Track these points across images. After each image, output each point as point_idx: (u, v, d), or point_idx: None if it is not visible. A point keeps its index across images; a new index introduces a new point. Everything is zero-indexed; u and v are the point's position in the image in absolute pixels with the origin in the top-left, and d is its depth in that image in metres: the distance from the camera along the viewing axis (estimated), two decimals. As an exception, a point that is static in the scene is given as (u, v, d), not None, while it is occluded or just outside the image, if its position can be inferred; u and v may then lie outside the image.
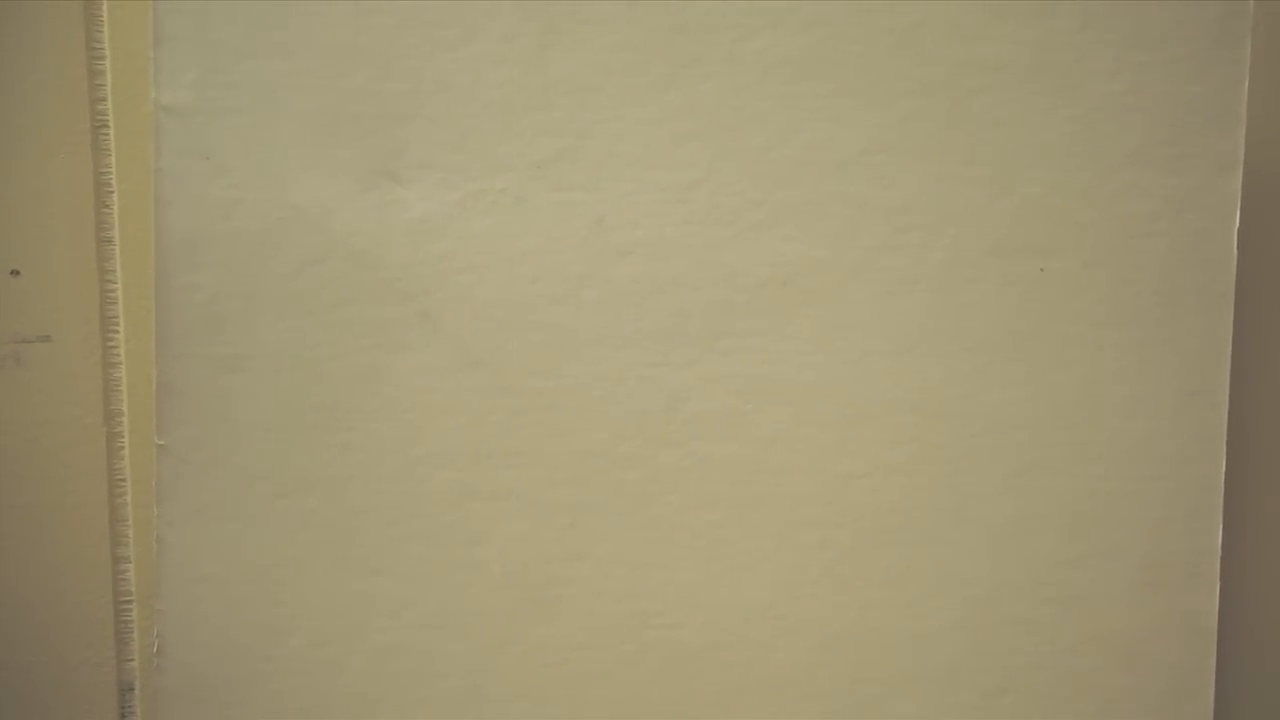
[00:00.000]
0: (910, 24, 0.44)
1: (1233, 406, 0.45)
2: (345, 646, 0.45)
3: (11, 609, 0.49)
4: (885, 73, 0.44)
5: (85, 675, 0.49)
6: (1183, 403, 0.45)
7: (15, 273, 0.48)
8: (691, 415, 0.45)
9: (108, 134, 0.48)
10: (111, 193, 0.48)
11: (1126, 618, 0.45)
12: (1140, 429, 0.45)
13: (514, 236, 0.44)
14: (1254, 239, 0.47)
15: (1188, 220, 0.44)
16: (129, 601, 0.50)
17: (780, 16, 0.44)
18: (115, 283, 0.49)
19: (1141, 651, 0.45)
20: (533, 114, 0.44)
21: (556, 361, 0.44)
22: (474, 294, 0.44)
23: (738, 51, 0.44)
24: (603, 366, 0.44)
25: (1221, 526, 0.45)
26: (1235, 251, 0.44)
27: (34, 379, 0.48)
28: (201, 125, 0.43)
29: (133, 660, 0.50)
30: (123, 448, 0.49)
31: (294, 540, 0.44)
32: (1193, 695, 0.45)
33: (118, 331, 0.49)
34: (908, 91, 0.44)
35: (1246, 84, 0.44)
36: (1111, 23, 0.44)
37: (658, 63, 0.44)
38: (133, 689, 0.50)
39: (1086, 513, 0.45)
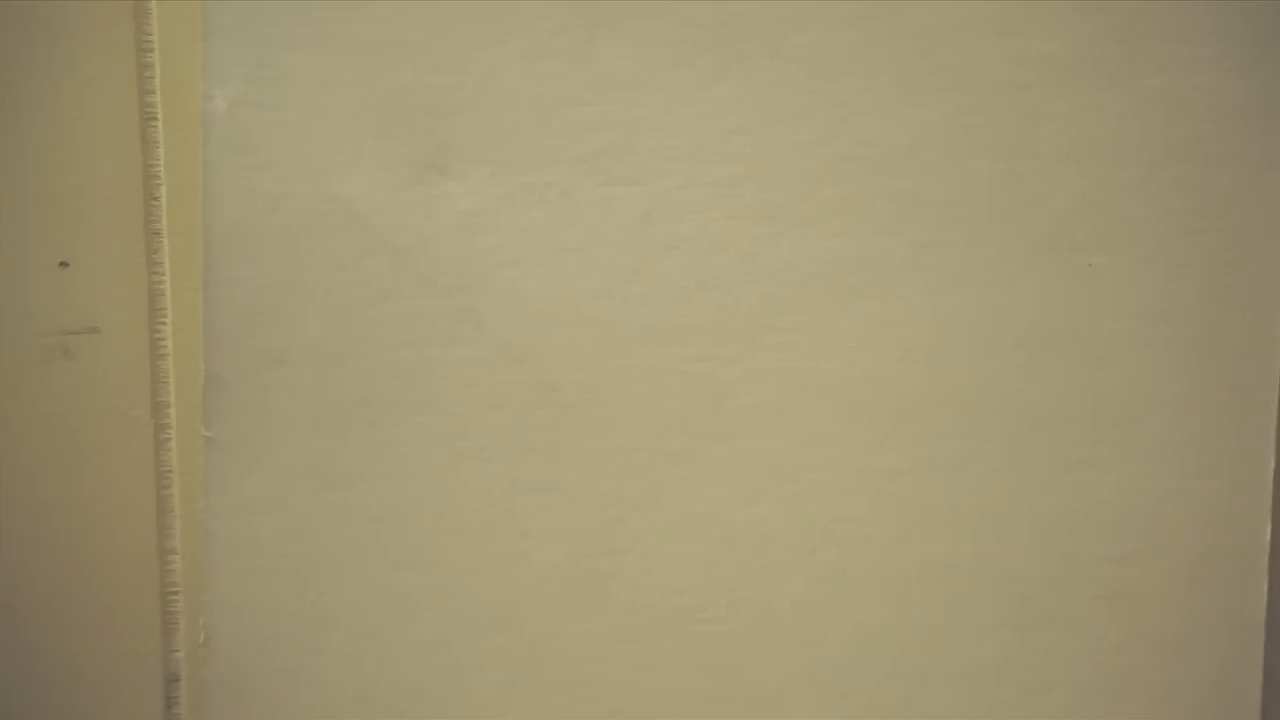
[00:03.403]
0: (958, 19, 0.44)
1: (1281, 404, 0.45)
2: (389, 639, 0.45)
3: (59, 600, 0.49)
4: (933, 68, 0.44)
5: (131, 666, 0.50)
6: (1231, 399, 0.45)
7: (64, 265, 0.48)
8: (736, 410, 0.45)
9: (156, 127, 0.48)
10: (160, 185, 0.48)
11: (1173, 615, 0.45)
12: (1188, 426, 0.45)
13: (560, 231, 0.44)
14: (1303, 236, 0.46)
15: (1236, 216, 0.44)
16: (176, 593, 0.50)
17: (826, 12, 0.44)
18: (163, 275, 0.49)
19: (1188, 649, 0.45)
20: (580, 108, 0.44)
21: (602, 356, 0.44)
22: (519, 288, 0.44)
23: (785, 47, 0.44)
24: (648, 361, 0.44)
25: (1269, 523, 0.45)
26: (1284, 248, 0.44)
27: (82, 371, 0.49)
28: (250, 119, 0.43)
29: (179, 651, 0.50)
30: (170, 440, 0.49)
31: (339, 533, 0.44)
32: (1239, 693, 0.45)
33: (165, 324, 0.49)
34: (955, 87, 0.44)
35: (1296, 80, 0.44)
36: (1160, 18, 0.44)
37: (705, 58, 0.44)
38: (178, 680, 0.50)
39: (1133, 510, 0.45)
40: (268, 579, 0.44)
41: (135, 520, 0.49)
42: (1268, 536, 0.45)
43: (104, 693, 0.50)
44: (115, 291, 0.48)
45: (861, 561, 0.45)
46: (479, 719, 0.45)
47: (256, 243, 0.44)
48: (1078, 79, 0.44)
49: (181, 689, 0.50)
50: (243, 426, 0.44)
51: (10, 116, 0.47)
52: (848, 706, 0.45)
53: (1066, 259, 0.44)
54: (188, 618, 0.50)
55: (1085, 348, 0.45)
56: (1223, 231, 0.44)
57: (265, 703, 0.45)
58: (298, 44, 0.43)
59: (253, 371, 0.44)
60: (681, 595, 0.45)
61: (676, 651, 0.45)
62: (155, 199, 0.49)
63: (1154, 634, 0.45)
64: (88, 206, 0.48)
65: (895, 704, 0.45)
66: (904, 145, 0.44)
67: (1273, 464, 0.44)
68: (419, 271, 0.44)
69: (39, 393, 0.48)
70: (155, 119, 0.48)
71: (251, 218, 0.44)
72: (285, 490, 0.44)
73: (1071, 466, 0.45)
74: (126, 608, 0.49)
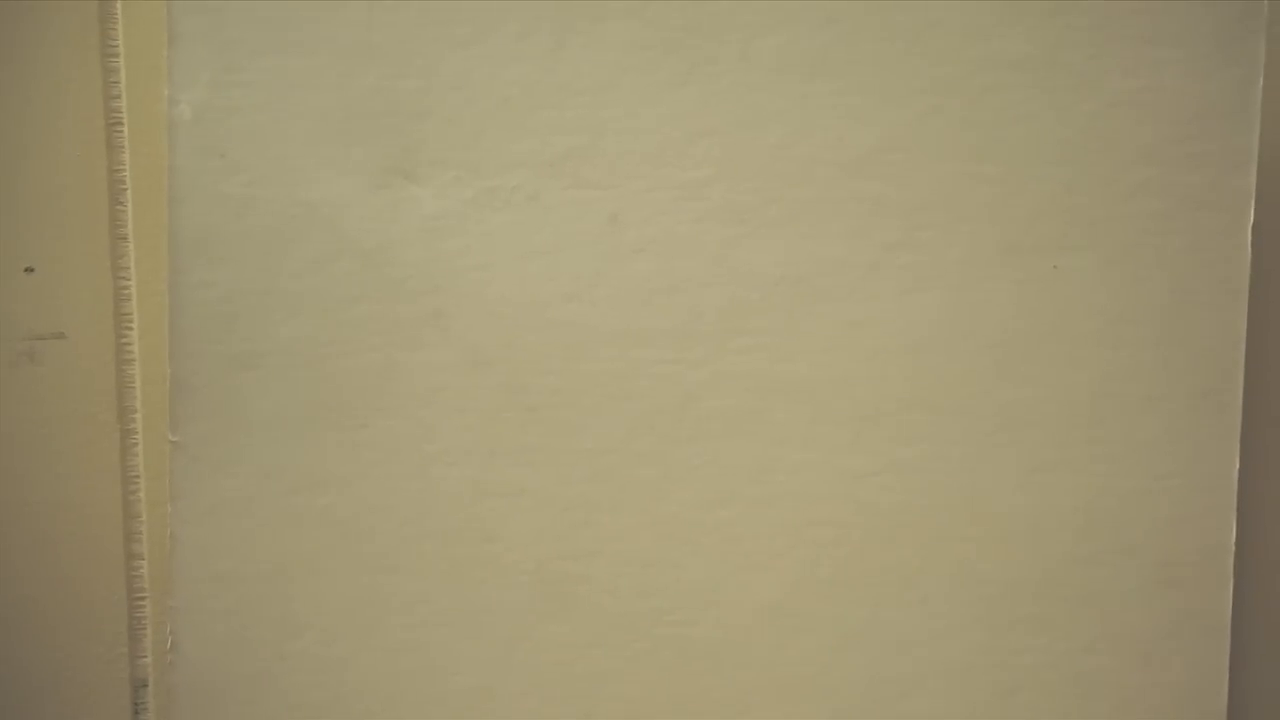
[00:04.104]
0: (924, 22, 0.44)
1: (1246, 404, 0.45)
2: (358, 643, 0.45)
3: (26, 605, 0.49)
4: (899, 71, 0.44)
5: (98, 671, 0.50)
6: (1196, 400, 0.45)
7: (30, 270, 0.48)
8: (705, 413, 0.45)
9: (122, 131, 0.48)
10: (125, 190, 0.48)
11: (1139, 616, 0.45)
12: (1154, 427, 0.45)
13: (527, 234, 0.44)
14: (1268, 236, 0.47)
15: (1202, 218, 0.44)
16: (142, 598, 0.50)
17: (794, 15, 0.44)
18: (129, 280, 0.49)
19: (1155, 650, 0.45)
20: (546, 111, 0.44)
21: (569, 359, 0.44)
22: (487, 292, 0.44)
23: (751, 50, 0.44)
24: (616, 364, 0.44)
25: (1235, 524, 0.45)
26: (1249, 249, 0.44)
27: (48, 376, 0.48)
28: (216, 123, 0.43)
29: (146, 657, 0.50)
30: (136, 444, 0.49)
31: (307, 537, 0.44)
32: (1206, 694, 0.45)
33: (132, 328, 0.49)
34: (922, 89, 0.44)
35: (1261, 81, 0.44)
36: (1126, 20, 0.44)
37: (671, 60, 0.44)
38: (146, 685, 0.50)
39: (1099, 511, 0.45)
40: (235, 583, 0.44)
41: (102, 525, 0.49)
42: (1233, 537, 0.45)
43: (71, 698, 0.50)
44: (81, 296, 0.48)
45: (831, 563, 0.45)
46: (449, 723, 0.45)
47: (223, 247, 0.43)
48: (1045, 81, 0.44)
49: (149, 694, 0.50)
50: (210, 430, 0.44)
51: (-25, 121, 0.47)
52: (818, 708, 0.45)
53: (1034, 260, 0.44)
54: (155, 623, 0.50)
55: (1053, 349, 0.45)
56: (1189, 233, 0.44)
57: (233, 708, 0.45)
58: (264, 48, 0.43)
59: (219, 375, 0.44)
60: (651, 598, 0.45)
61: (647, 654, 0.45)
62: (121, 204, 0.49)
63: (1122, 635, 0.45)
64: (53, 212, 0.48)
65: (865, 705, 0.45)
66: (872, 147, 0.44)
67: (1238, 465, 0.45)
68: (386, 275, 0.44)
69: (5, 398, 0.48)
70: (121, 123, 0.48)
71: (218, 222, 0.43)
72: (253, 494, 0.44)
73: (1039, 467, 0.45)
74: (93, 613, 0.49)
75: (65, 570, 0.49)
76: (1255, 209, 0.44)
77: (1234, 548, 0.45)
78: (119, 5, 0.48)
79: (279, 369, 0.44)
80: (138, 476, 0.49)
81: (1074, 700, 0.45)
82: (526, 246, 0.44)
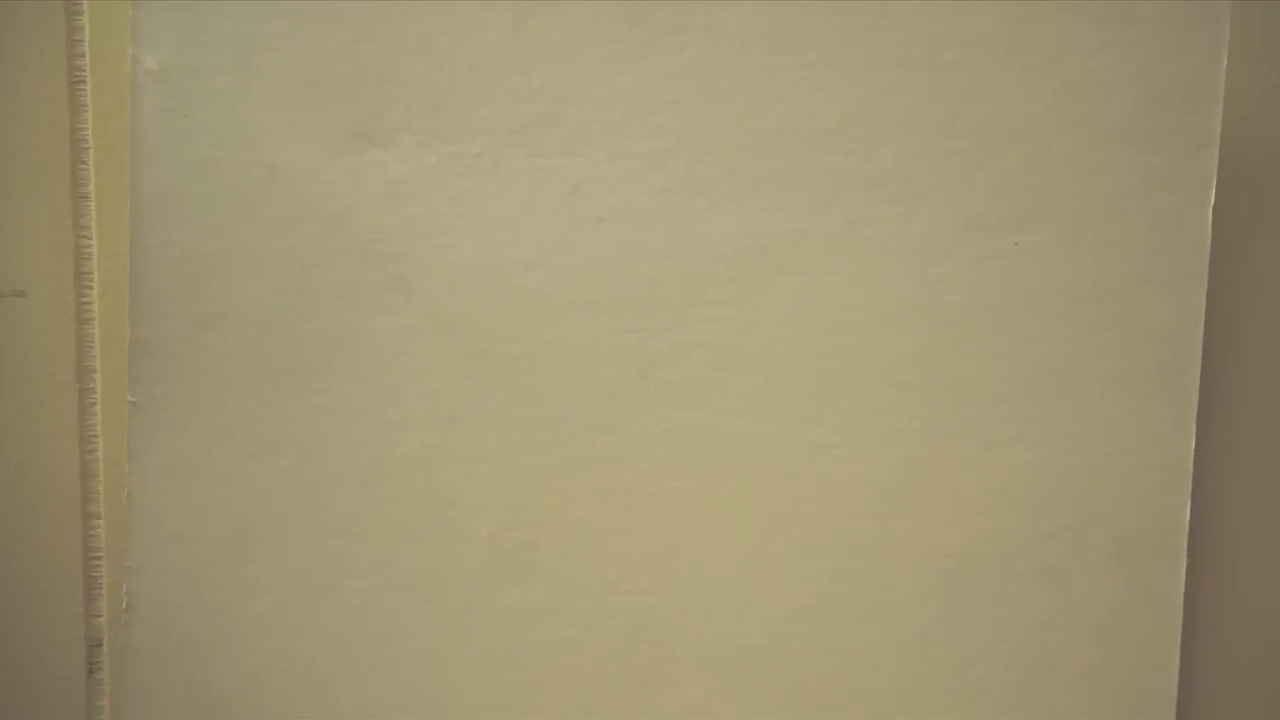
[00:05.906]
0: (889, -5, 0.44)
1: (1204, 383, 0.45)
2: (314, 607, 0.45)
3: (-19, 563, 0.49)
4: (865, 45, 0.44)
5: (54, 630, 0.50)
6: (1154, 379, 0.45)
7: (-10, 228, 0.48)
8: (664, 383, 0.45)
9: (85, 91, 0.48)
10: (88, 149, 0.48)
11: (1095, 592, 0.45)
12: (1112, 404, 0.45)
13: (490, 201, 0.44)
14: (1228, 217, 0.47)
15: (1163, 197, 0.44)
16: (99, 558, 0.50)
17: (761, -14, 0.44)
18: (90, 239, 0.49)
19: (1109, 626, 0.45)
20: (511, 79, 0.44)
21: (530, 326, 0.44)
22: (449, 258, 0.44)
23: (717, 21, 0.44)
24: (576, 332, 0.44)
25: (1189, 503, 0.45)
26: (1210, 229, 0.44)
27: (7, 334, 0.48)
28: (180, 84, 0.43)
29: (101, 616, 0.50)
30: (95, 404, 0.49)
31: (265, 500, 0.44)
32: (1158, 670, 0.46)
33: (92, 288, 0.49)
34: (887, 64, 0.44)
35: (1224, 62, 0.44)
36: (1092, 0, 0.44)
37: (637, 30, 0.44)
38: (101, 645, 0.50)
39: (1057, 487, 0.45)
40: (192, 545, 0.44)
41: (59, 484, 0.49)
42: (1187, 516, 0.45)
43: (25, 657, 0.49)
44: (41, 255, 0.48)
45: (788, 535, 0.45)
46: (402, 688, 0.45)
47: (186, 208, 0.43)
48: (1009, 59, 0.44)
49: (104, 654, 0.50)
50: (169, 391, 0.44)
51: (-61, 78, 0.47)
52: (771, 679, 0.46)
53: (995, 237, 0.45)
54: (111, 583, 0.50)
55: (1013, 325, 0.45)
56: (1150, 212, 0.44)
57: (188, 669, 0.45)
58: (229, 10, 0.43)
59: (180, 336, 0.44)
60: (607, 566, 0.45)
61: (601, 622, 0.45)
62: (83, 163, 0.48)
63: (1075, 611, 0.45)
64: (14, 169, 0.48)
65: (820, 677, 0.46)
66: (835, 121, 0.44)
67: (1194, 444, 0.45)
68: (349, 239, 0.44)
69: (-37, 355, 0.48)
70: (84, 82, 0.48)
71: (181, 183, 0.43)
72: (211, 456, 0.44)
73: (996, 443, 0.45)
74: (49, 572, 0.49)
75: (21, 529, 0.49)
76: (1216, 189, 0.44)
77: (1188, 526, 0.45)
78: (84, -36, 0.48)
79: (239, 331, 0.44)
80: (96, 436, 0.49)
81: (1028, 675, 0.46)
82: (489, 213, 0.44)
